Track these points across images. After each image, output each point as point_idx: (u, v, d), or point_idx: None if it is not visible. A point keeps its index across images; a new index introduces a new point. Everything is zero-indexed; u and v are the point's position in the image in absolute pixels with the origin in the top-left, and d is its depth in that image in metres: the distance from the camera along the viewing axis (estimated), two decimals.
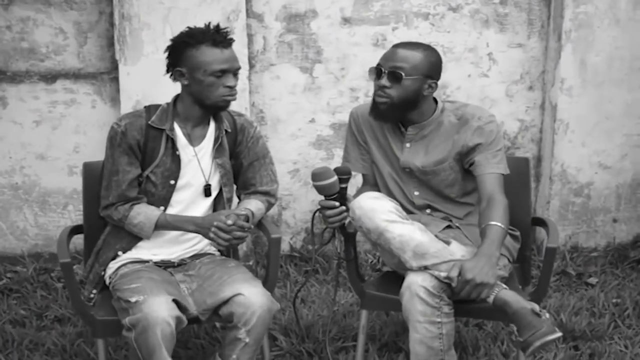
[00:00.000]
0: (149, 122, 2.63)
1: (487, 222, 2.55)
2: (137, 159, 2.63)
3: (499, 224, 2.53)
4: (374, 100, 2.73)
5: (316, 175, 2.63)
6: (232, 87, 2.60)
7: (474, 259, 2.46)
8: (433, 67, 2.71)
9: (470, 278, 2.41)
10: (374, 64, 2.72)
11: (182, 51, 2.58)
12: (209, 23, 2.60)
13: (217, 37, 2.56)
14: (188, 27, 2.63)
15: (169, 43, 2.65)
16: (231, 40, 2.60)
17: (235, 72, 2.61)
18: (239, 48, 3.77)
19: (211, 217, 2.62)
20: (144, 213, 2.63)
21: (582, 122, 3.99)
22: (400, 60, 2.65)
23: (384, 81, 2.66)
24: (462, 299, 2.52)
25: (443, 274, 2.50)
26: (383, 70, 2.67)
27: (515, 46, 4.06)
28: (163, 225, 2.64)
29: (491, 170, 2.69)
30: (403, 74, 2.64)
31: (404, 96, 2.67)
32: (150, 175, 2.65)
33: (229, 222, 2.56)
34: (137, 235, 2.67)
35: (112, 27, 3.84)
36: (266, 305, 2.45)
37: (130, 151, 2.62)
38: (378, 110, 2.72)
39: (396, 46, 2.73)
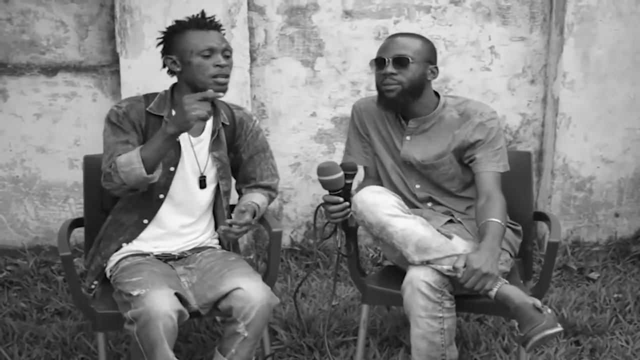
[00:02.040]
0: (147, 109, 2.63)
1: (486, 219, 2.56)
2: (139, 139, 2.60)
3: (498, 220, 2.54)
4: (380, 90, 2.73)
5: (322, 170, 2.62)
6: (222, 67, 2.58)
7: (478, 252, 2.46)
8: (432, 53, 2.75)
9: (477, 268, 2.41)
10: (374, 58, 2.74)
11: (171, 40, 2.62)
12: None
13: (201, 21, 2.60)
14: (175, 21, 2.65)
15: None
16: (217, 24, 2.62)
17: (224, 54, 2.60)
18: (240, 41, 3.76)
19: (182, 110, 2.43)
20: (128, 153, 2.49)
21: (584, 116, 3.98)
22: (403, 48, 2.68)
23: (390, 68, 2.67)
24: (464, 292, 2.52)
25: (446, 267, 2.49)
26: (386, 59, 2.68)
27: (518, 39, 4.04)
28: (149, 150, 2.45)
29: (491, 168, 2.70)
30: (409, 59, 2.66)
31: (412, 80, 2.67)
32: None
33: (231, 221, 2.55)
34: (132, 187, 2.50)
35: (113, 19, 3.83)
36: (265, 299, 2.44)
37: (133, 130, 2.60)
38: (387, 99, 2.72)
39: (393, 36, 2.77)
